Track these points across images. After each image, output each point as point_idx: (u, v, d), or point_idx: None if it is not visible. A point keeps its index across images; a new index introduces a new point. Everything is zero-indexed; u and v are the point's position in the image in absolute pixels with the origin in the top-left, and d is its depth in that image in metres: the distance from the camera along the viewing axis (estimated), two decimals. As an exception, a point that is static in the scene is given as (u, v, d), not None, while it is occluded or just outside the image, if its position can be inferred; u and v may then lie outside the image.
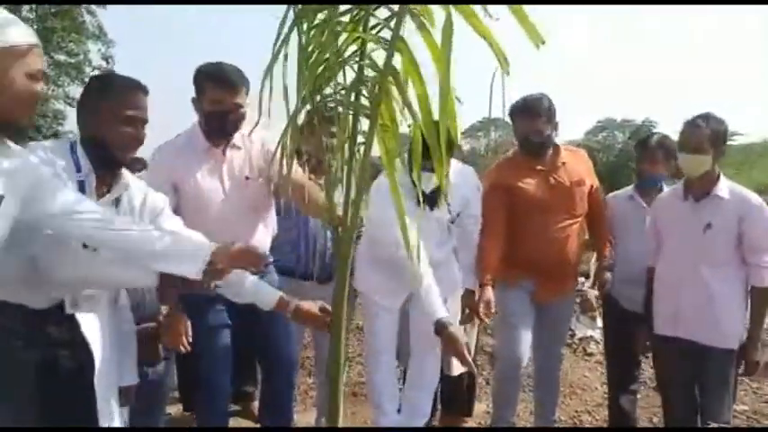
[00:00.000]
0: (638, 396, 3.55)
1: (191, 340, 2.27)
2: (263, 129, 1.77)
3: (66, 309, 1.71)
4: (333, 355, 1.68)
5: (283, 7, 1.46)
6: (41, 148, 1.72)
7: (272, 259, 2.15)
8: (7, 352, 1.60)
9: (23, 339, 1.61)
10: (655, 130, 3.29)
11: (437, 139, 1.30)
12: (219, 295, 2.22)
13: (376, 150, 1.50)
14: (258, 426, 3.29)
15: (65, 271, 1.65)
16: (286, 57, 1.42)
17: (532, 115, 2.92)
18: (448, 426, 3.49)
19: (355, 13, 1.40)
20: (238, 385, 3.45)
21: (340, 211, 1.59)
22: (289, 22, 1.43)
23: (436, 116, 1.27)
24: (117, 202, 1.86)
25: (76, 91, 14.72)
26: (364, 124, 1.48)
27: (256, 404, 3.43)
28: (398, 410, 3.02)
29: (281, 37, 1.42)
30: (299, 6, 1.40)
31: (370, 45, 1.46)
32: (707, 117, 2.66)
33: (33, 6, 16.09)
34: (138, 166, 2.36)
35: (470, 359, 2.48)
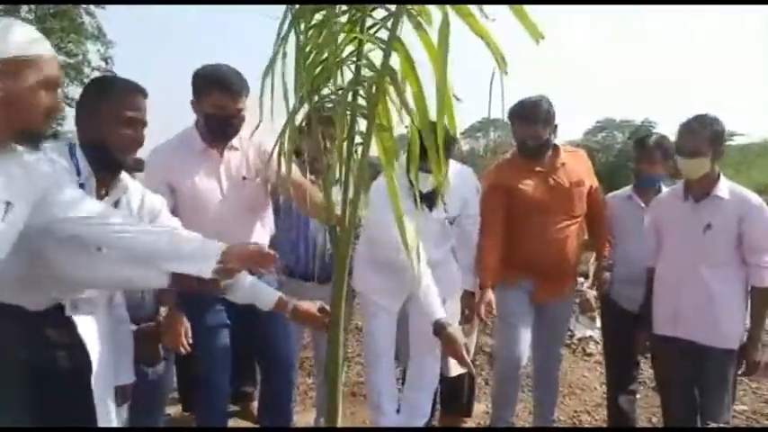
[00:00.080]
0: (638, 396, 3.55)
1: (190, 341, 2.27)
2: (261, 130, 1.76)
3: (66, 311, 1.71)
4: (331, 355, 1.68)
5: (282, 8, 1.46)
6: (41, 150, 1.72)
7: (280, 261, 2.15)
8: (5, 353, 1.59)
9: (21, 341, 1.61)
10: (654, 131, 3.30)
11: (434, 140, 1.30)
12: (218, 296, 2.23)
13: (374, 150, 1.50)
14: (257, 426, 3.29)
15: (79, 273, 1.67)
16: (285, 55, 1.42)
17: (530, 120, 2.92)
18: (447, 426, 3.49)
19: (353, 13, 1.40)
20: (237, 386, 3.46)
21: (338, 211, 1.59)
22: (287, 23, 1.44)
23: (434, 116, 1.27)
24: (116, 204, 1.87)
25: (76, 92, 14.69)
26: (362, 124, 1.48)
27: (255, 404, 3.43)
28: (398, 411, 3.02)
29: (280, 37, 1.42)
30: (297, 6, 1.40)
31: (367, 45, 1.46)
32: (703, 119, 2.65)
33: (32, 7, 16.07)
34: (137, 166, 2.37)
35: (469, 359, 2.49)
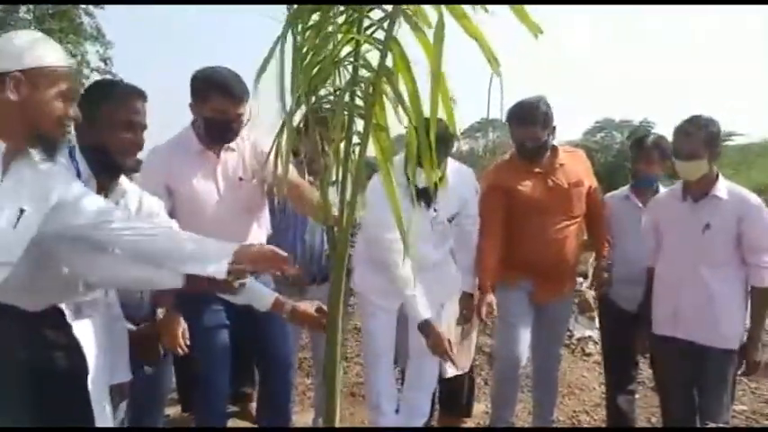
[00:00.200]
0: (637, 396, 3.55)
1: (188, 342, 2.28)
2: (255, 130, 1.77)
3: (68, 315, 1.72)
4: (329, 355, 1.68)
5: (282, 8, 1.46)
6: (56, 158, 1.74)
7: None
8: (5, 353, 1.59)
9: (21, 341, 1.61)
10: (653, 131, 3.30)
11: (427, 137, 1.31)
12: (217, 296, 2.23)
13: (371, 151, 1.50)
14: (256, 426, 3.29)
15: (95, 273, 1.70)
16: (284, 53, 1.42)
17: (528, 122, 2.92)
18: (447, 426, 3.49)
19: (349, 14, 1.41)
20: (236, 386, 3.46)
21: (336, 212, 1.59)
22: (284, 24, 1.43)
23: (434, 124, 1.28)
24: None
25: (75, 92, 14.68)
26: (359, 125, 1.48)
27: (254, 405, 3.43)
28: (397, 411, 3.02)
29: (277, 38, 1.42)
30: (294, 7, 1.40)
31: (364, 46, 1.46)
32: (697, 121, 2.65)
33: (31, 7, 16.05)
34: (135, 167, 2.38)
35: (452, 356, 2.55)
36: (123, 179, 2.00)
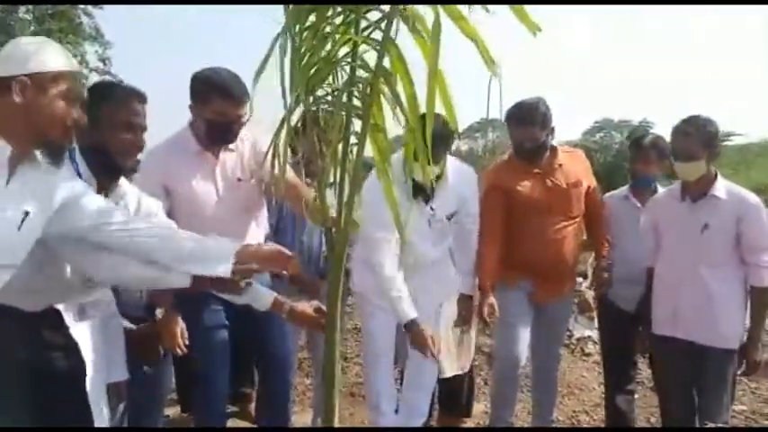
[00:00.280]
0: (636, 396, 3.55)
1: (186, 341, 2.28)
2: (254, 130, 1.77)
3: (72, 316, 1.73)
4: (328, 355, 1.68)
5: (281, 9, 1.46)
6: (62, 161, 1.75)
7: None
8: (4, 353, 1.60)
9: (21, 341, 1.62)
10: (652, 131, 3.30)
11: (423, 136, 1.31)
12: (216, 296, 2.23)
13: (368, 151, 1.50)
14: (255, 426, 3.29)
15: (103, 274, 1.71)
16: (284, 53, 1.42)
17: (527, 123, 2.93)
18: (446, 426, 3.49)
19: (347, 15, 1.41)
20: (236, 386, 3.46)
21: (333, 213, 1.59)
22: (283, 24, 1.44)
23: (431, 120, 1.28)
24: None
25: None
26: (357, 125, 1.48)
27: (254, 405, 3.43)
28: (396, 411, 3.03)
29: (274, 38, 1.42)
30: (291, 7, 1.40)
31: (362, 46, 1.46)
32: (695, 121, 2.65)
33: (30, 8, 16.06)
34: (134, 168, 2.38)
35: (435, 352, 2.59)
36: (123, 180, 2.02)
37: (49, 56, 1.58)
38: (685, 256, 2.71)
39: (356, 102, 1.49)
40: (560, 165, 3.03)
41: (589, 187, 3.12)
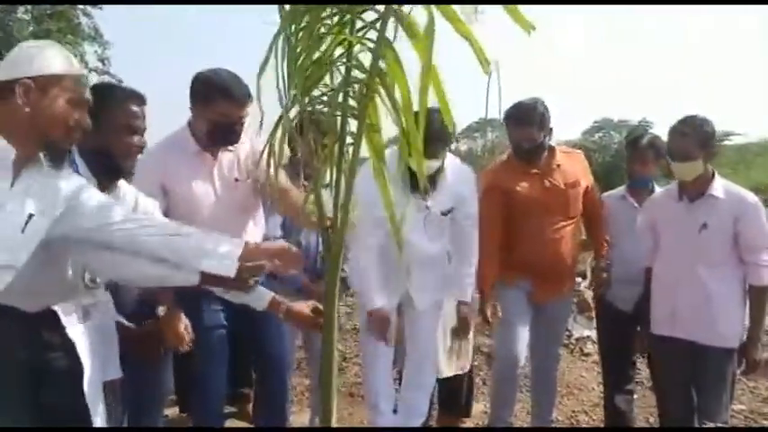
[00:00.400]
0: (635, 396, 3.55)
1: (191, 336, 2.28)
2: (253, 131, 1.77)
3: (78, 317, 1.75)
4: (325, 355, 1.68)
5: (278, 9, 1.46)
6: (66, 164, 1.76)
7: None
8: (4, 353, 1.60)
9: (20, 341, 1.62)
10: (651, 131, 3.30)
11: (418, 132, 1.32)
12: (215, 296, 2.23)
13: (365, 152, 1.50)
14: (254, 426, 3.29)
15: (108, 272, 1.73)
16: (284, 56, 1.42)
17: (525, 123, 2.93)
18: (447, 426, 3.49)
19: (342, 15, 1.41)
20: (234, 387, 3.45)
21: (329, 213, 1.59)
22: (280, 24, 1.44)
23: (424, 115, 1.29)
24: None
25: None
26: (353, 125, 1.49)
27: (252, 406, 3.43)
28: (395, 411, 3.03)
29: (277, 39, 1.42)
30: (287, 7, 1.40)
31: (357, 46, 1.46)
32: (692, 122, 2.65)
33: (29, 8, 16.04)
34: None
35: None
36: (121, 181, 2.03)
37: (52, 58, 1.59)
38: (683, 255, 2.71)
39: (352, 102, 1.49)
40: (558, 165, 3.04)
41: (587, 187, 3.12)
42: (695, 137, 2.61)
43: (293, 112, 1.50)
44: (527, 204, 2.98)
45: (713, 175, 2.68)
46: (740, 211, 2.62)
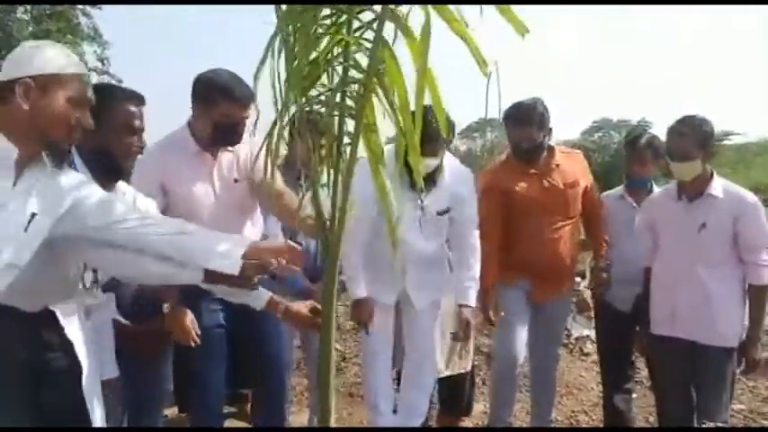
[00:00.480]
0: (635, 396, 3.55)
1: (198, 332, 2.29)
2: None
3: (80, 316, 1.75)
4: (323, 354, 1.68)
5: (275, 9, 1.46)
6: (68, 163, 1.77)
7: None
8: (4, 353, 1.60)
9: (20, 341, 1.62)
10: (650, 131, 3.29)
11: (413, 132, 1.32)
12: (214, 296, 2.23)
13: (362, 152, 1.50)
14: (253, 426, 3.29)
15: (113, 271, 1.74)
16: (282, 57, 1.42)
17: (524, 123, 2.93)
18: (447, 426, 3.50)
19: (338, 16, 1.41)
20: (234, 387, 3.45)
21: (327, 214, 1.59)
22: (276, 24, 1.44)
23: (420, 115, 1.29)
24: None
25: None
26: (350, 125, 1.49)
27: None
28: (395, 411, 3.03)
29: (274, 39, 1.42)
30: (283, 8, 1.40)
31: (354, 46, 1.46)
32: (690, 121, 2.65)
33: (28, 8, 16.05)
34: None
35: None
36: (120, 181, 2.03)
37: (52, 58, 1.58)
38: (682, 255, 2.71)
39: (349, 102, 1.49)
40: (558, 165, 3.04)
41: (586, 187, 3.12)
42: (694, 136, 2.61)
43: (290, 113, 1.50)
44: (526, 204, 2.98)
45: (712, 174, 2.68)
46: (739, 211, 2.62)
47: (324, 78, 1.52)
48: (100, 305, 1.90)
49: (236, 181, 2.54)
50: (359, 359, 4.14)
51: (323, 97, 1.54)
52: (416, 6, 1.25)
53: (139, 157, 2.07)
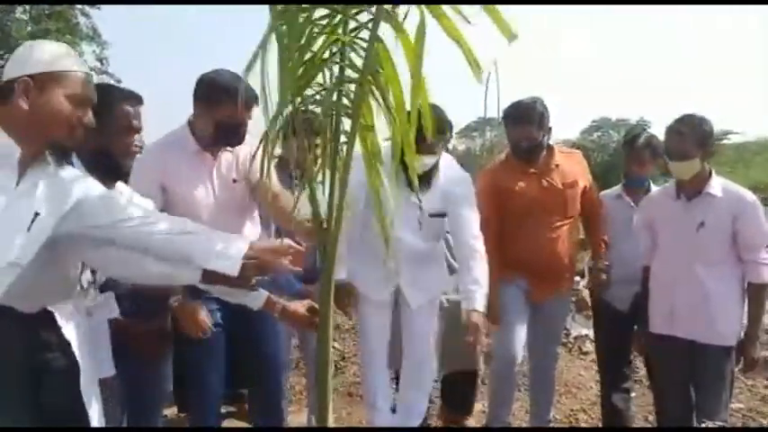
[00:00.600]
0: (634, 395, 3.55)
1: (210, 323, 2.31)
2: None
3: (81, 316, 1.76)
4: (320, 354, 1.68)
5: (269, 9, 1.46)
6: (70, 162, 1.76)
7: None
8: (4, 353, 1.60)
9: (20, 341, 1.62)
10: (649, 130, 3.29)
11: (409, 131, 1.32)
12: (212, 296, 2.23)
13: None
14: (252, 426, 3.29)
15: (112, 271, 1.74)
16: (266, 55, 1.42)
17: (524, 123, 2.93)
18: (447, 426, 3.50)
19: (334, 16, 1.41)
20: (233, 387, 3.45)
21: (323, 213, 1.59)
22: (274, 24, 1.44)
23: (416, 114, 1.30)
24: None
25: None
26: (346, 124, 1.49)
27: (250, 405, 3.42)
28: (394, 411, 3.02)
29: (267, 39, 1.42)
30: (278, 7, 1.40)
31: (349, 46, 1.46)
32: (689, 120, 2.65)
33: (27, 7, 16.04)
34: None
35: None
36: (118, 181, 2.03)
37: (51, 56, 1.58)
38: (681, 254, 2.71)
39: (345, 101, 1.50)
40: (557, 165, 3.04)
41: (585, 187, 3.11)
42: (693, 136, 2.61)
43: (285, 113, 1.50)
44: (524, 204, 2.98)
45: (711, 173, 2.68)
46: (738, 210, 2.62)
47: (319, 78, 1.52)
48: (99, 305, 1.90)
49: (234, 181, 2.54)
50: (358, 358, 4.14)
51: (318, 96, 1.54)
52: (413, 6, 1.25)
53: (138, 156, 2.07)
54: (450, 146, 4.00)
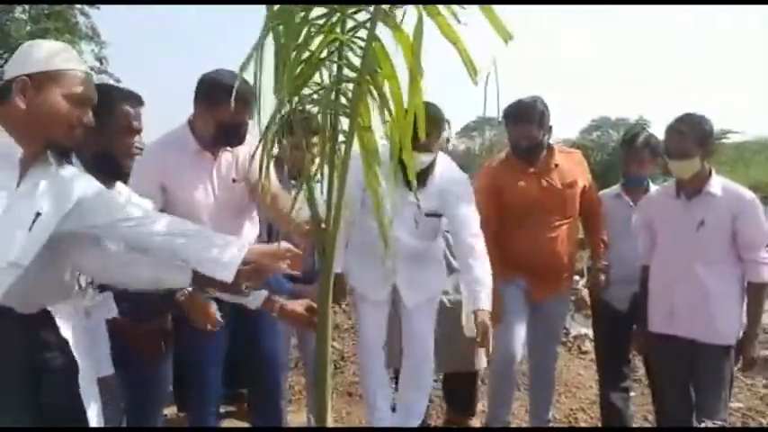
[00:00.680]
0: (633, 394, 3.54)
1: (219, 317, 2.30)
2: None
3: (81, 316, 1.77)
4: (319, 353, 1.68)
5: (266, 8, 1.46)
6: (70, 162, 1.76)
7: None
8: (4, 353, 1.60)
9: (19, 341, 1.62)
10: (648, 129, 3.28)
11: (406, 130, 1.33)
12: (211, 295, 2.23)
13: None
14: (252, 426, 3.29)
15: (107, 274, 1.74)
16: (263, 55, 1.42)
17: (524, 122, 2.93)
18: (449, 425, 3.50)
19: (332, 15, 1.41)
20: (233, 387, 3.45)
21: (322, 213, 1.59)
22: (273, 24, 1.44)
23: (413, 114, 1.30)
24: None
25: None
26: (344, 124, 1.49)
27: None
28: (393, 410, 3.02)
29: (264, 38, 1.42)
30: (276, 7, 1.40)
31: (347, 45, 1.46)
32: (689, 120, 2.65)
33: (26, 7, 16.03)
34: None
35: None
36: (118, 182, 2.03)
37: (49, 55, 1.58)
38: (680, 253, 2.71)
39: (343, 100, 1.49)
40: (557, 165, 3.04)
41: (585, 187, 3.11)
42: (693, 135, 2.61)
43: (283, 112, 1.50)
44: (523, 203, 2.98)
45: (710, 172, 2.67)
46: (738, 209, 2.62)
47: (317, 77, 1.52)
48: (98, 305, 1.90)
49: (234, 181, 2.54)
50: (357, 358, 4.14)
51: (316, 96, 1.54)
52: (411, 7, 1.25)
53: (137, 156, 2.07)
54: (450, 146, 4.00)
